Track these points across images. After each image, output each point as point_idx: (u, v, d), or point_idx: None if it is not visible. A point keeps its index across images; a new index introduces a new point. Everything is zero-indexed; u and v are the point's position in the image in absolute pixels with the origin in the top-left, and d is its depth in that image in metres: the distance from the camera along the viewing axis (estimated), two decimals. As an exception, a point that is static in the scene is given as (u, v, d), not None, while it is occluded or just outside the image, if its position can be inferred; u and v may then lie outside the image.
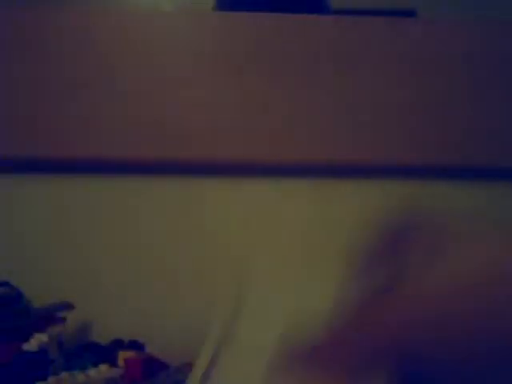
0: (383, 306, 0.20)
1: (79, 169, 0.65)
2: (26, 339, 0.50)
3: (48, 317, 0.53)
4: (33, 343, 0.47)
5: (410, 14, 0.66)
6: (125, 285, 0.65)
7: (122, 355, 0.50)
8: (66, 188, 0.65)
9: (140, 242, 0.65)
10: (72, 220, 0.65)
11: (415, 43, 0.64)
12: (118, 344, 0.54)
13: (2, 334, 0.49)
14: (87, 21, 0.62)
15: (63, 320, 0.54)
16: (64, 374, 0.45)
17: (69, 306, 0.56)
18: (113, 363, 0.51)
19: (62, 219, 0.65)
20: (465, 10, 0.71)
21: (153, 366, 0.49)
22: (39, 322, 0.52)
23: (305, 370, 0.22)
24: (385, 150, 0.63)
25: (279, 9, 0.63)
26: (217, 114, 0.62)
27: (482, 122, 0.64)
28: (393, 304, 0.20)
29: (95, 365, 0.51)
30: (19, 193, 0.65)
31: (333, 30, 0.63)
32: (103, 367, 0.47)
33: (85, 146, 0.61)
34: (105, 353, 0.53)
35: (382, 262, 0.24)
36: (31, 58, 0.61)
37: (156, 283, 0.65)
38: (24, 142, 0.61)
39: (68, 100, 0.61)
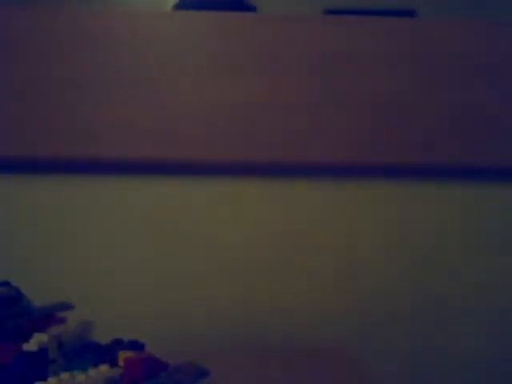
0: None
1: (79, 169, 0.65)
2: (26, 339, 0.50)
3: (48, 317, 0.53)
4: (33, 343, 0.47)
5: (410, 13, 0.66)
6: (125, 285, 0.65)
7: (122, 355, 0.50)
8: (65, 188, 0.65)
9: (140, 242, 0.65)
10: (72, 220, 0.65)
11: (415, 43, 0.64)
12: (118, 344, 0.54)
13: (2, 334, 0.49)
14: (87, 21, 0.62)
15: (63, 320, 0.54)
16: (64, 374, 0.45)
17: (69, 306, 0.55)
18: (113, 363, 0.51)
19: (62, 219, 0.65)
20: (465, 10, 0.71)
21: (153, 366, 0.49)
22: (39, 322, 0.52)
23: None
24: (385, 150, 0.63)
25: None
26: (217, 114, 0.62)
27: (482, 122, 0.64)
28: None
29: (95, 365, 0.51)
30: (19, 193, 0.65)
31: (333, 30, 0.63)
32: (103, 367, 0.47)
33: (85, 145, 0.61)
34: (105, 353, 0.53)
35: None
36: (31, 58, 0.61)
37: (156, 283, 0.65)
38: (24, 142, 0.61)
39: (68, 100, 0.61)
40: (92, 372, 0.46)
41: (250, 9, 0.66)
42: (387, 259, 0.67)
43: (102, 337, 0.65)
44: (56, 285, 0.65)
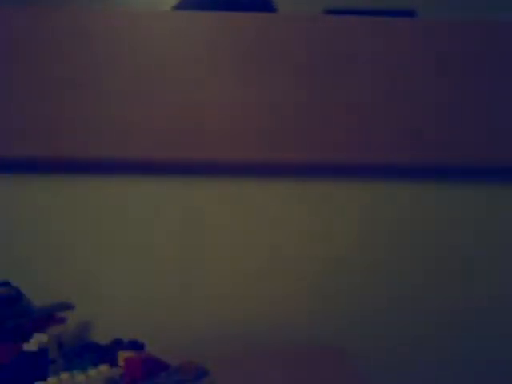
0: None
1: (79, 169, 0.65)
2: (26, 339, 0.50)
3: (48, 317, 0.53)
4: (33, 343, 0.47)
5: (410, 14, 0.66)
6: (125, 285, 0.65)
7: (122, 355, 0.50)
8: (65, 188, 0.65)
9: (141, 242, 0.65)
10: (72, 220, 0.65)
11: (415, 43, 0.64)
12: (118, 344, 0.54)
13: (2, 334, 0.49)
14: (87, 21, 0.62)
15: (63, 320, 0.54)
16: (64, 374, 0.45)
17: (69, 306, 0.56)
18: (113, 363, 0.51)
19: (62, 219, 0.65)
20: (465, 10, 0.71)
21: (153, 366, 0.49)
22: (39, 322, 0.52)
23: None
24: (385, 150, 0.63)
25: (228, 8, 0.64)
26: (217, 114, 0.62)
27: (481, 121, 0.64)
28: None
29: (95, 365, 0.51)
30: (19, 193, 0.65)
31: (333, 30, 0.63)
32: (103, 367, 0.47)
33: (84, 146, 0.61)
34: (105, 353, 0.53)
35: None
36: (31, 58, 0.61)
37: (156, 284, 0.65)
38: (24, 142, 0.61)
39: (68, 100, 0.61)
40: (92, 372, 0.46)
41: (272, 9, 0.66)
42: (388, 259, 0.67)
43: (102, 337, 0.66)
44: (56, 285, 0.65)
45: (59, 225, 0.65)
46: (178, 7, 0.65)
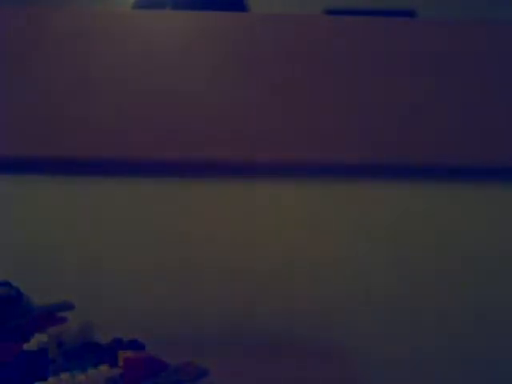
0: None
1: (79, 169, 0.65)
2: (26, 339, 0.50)
3: (48, 317, 0.53)
4: (33, 343, 0.47)
5: (410, 14, 0.66)
6: (125, 285, 0.65)
7: (122, 355, 0.50)
8: (65, 188, 0.65)
9: (141, 242, 0.65)
10: (72, 220, 0.65)
11: (415, 43, 0.64)
12: (118, 344, 0.54)
13: (2, 334, 0.49)
14: (87, 21, 0.62)
15: (63, 320, 0.54)
16: (64, 374, 0.45)
17: (69, 306, 0.56)
18: (113, 363, 0.51)
19: (62, 219, 0.65)
20: (465, 10, 0.71)
21: (153, 366, 0.49)
22: (39, 322, 0.52)
23: None
24: (385, 150, 0.63)
25: (198, 7, 0.64)
26: (216, 114, 0.62)
27: (482, 121, 0.64)
28: None
29: (95, 365, 0.51)
30: (19, 193, 0.65)
31: (333, 30, 0.63)
32: (103, 367, 0.47)
33: (85, 145, 0.61)
34: (105, 353, 0.53)
35: None
36: (31, 57, 0.61)
37: (156, 283, 0.65)
38: (24, 142, 0.61)
39: (68, 100, 0.62)
40: (92, 372, 0.46)
41: (243, 9, 0.66)
42: (387, 259, 0.67)
43: (102, 337, 0.66)
44: (56, 285, 0.65)
45: (59, 225, 0.65)
46: (174, 6, 0.65)
